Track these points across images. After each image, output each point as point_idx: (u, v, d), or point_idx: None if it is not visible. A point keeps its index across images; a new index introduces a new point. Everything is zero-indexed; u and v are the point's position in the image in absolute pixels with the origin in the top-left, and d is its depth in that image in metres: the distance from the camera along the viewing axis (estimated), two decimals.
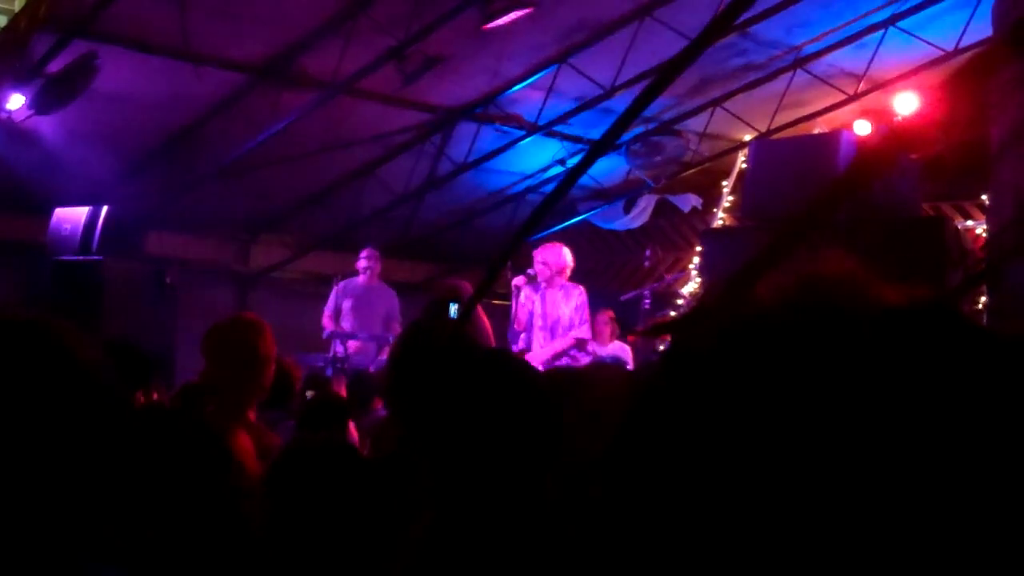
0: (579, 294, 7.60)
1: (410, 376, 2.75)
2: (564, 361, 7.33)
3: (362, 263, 9.24)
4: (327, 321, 9.06)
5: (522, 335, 7.65)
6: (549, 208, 2.29)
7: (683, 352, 0.71)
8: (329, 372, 8.02)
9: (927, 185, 7.95)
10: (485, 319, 4.65)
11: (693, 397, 0.66)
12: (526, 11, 7.51)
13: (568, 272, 7.63)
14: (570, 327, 7.52)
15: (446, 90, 9.03)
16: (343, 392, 5.77)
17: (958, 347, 0.64)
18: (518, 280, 7.66)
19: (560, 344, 7.48)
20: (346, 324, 9.07)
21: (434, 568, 1.90)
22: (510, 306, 7.82)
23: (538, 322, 7.58)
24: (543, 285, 7.56)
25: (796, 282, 0.69)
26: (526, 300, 7.63)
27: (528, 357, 6.94)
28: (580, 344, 7.53)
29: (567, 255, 7.60)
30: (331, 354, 8.61)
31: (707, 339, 0.68)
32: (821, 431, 0.61)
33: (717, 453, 0.64)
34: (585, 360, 7.52)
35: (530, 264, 7.62)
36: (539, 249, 7.73)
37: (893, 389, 0.61)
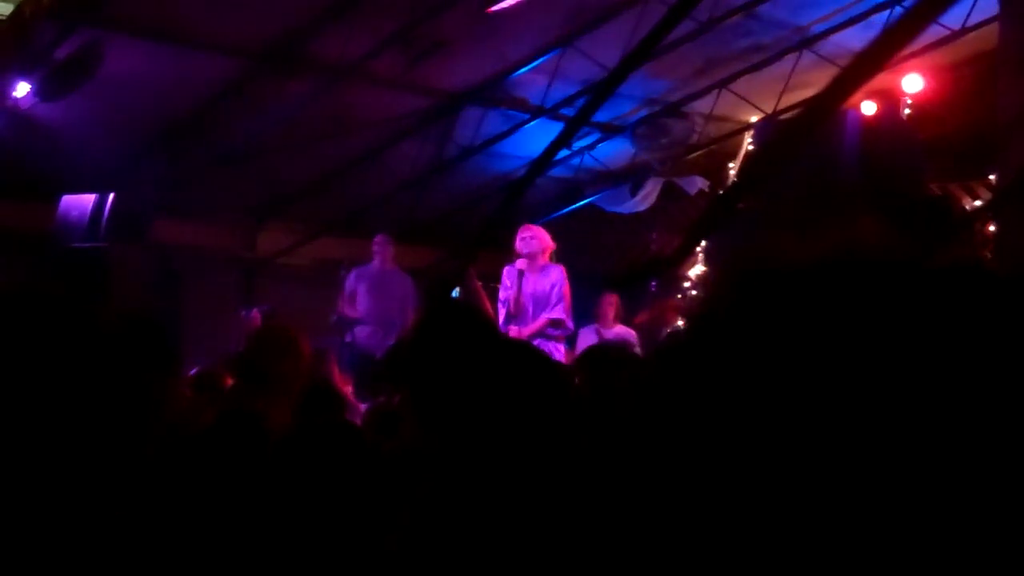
0: (558, 272, 7.73)
1: (434, 359, 2.77)
2: (538, 341, 7.43)
3: (373, 248, 9.27)
4: (343, 306, 9.06)
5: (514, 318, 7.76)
6: (531, 181, 2.31)
7: (712, 312, 0.71)
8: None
9: (934, 165, 7.92)
10: (487, 301, 4.66)
11: (721, 353, 0.66)
12: None
13: (551, 253, 7.83)
14: (550, 306, 7.70)
15: (451, 74, 9.01)
16: (339, 375, 5.77)
17: (995, 301, 0.64)
18: (521, 263, 7.76)
19: (536, 324, 7.63)
20: (361, 309, 9.07)
21: (432, 543, 1.91)
22: (501, 291, 7.94)
23: (528, 303, 7.71)
24: (527, 265, 7.71)
25: (833, 246, 0.69)
26: (525, 283, 7.74)
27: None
28: (555, 323, 7.68)
29: (548, 236, 7.83)
30: (340, 340, 8.63)
31: (733, 298, 0.68)
32: (853, 380, 0.61)
33: (743, 404, 0.63)
34: (560, 336, 7.72)
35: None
36: (524, 228, 7.88)
37: (931, 340, 0.61)
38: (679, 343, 0.71)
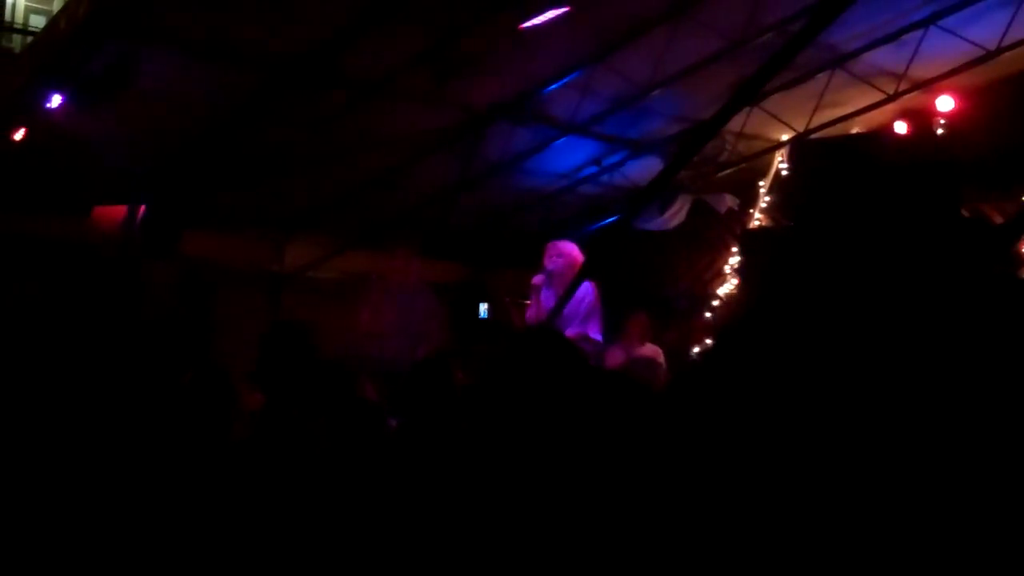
0: (587, 288, 7.68)
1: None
2: None
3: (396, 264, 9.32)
4: (366, 319, 9.11)
5: None
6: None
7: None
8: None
9: (966, 185, 7.85)
10: (516, 317, 4.64)
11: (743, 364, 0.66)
12: (563, 10, 7.48)
13: (579, 268, 7.75)
14: (579, 322, 7.63)
15: (481, 90, 9.01)
16: (372, 393, 5.76)
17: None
18: (537, 279, 7.74)
19: None
20: (388, 323, 9.11)
21: None
22: (528, 309, 7.91)
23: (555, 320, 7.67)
24: (556, 281, 7.64)
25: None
26: (544, 299, 7.70)
27: None
28: (581, 339, 7.62)
29: (579, 252, 7.71)
30: (367, 353, 8.64)
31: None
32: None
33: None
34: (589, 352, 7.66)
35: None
36: (554, 243, 7.83)
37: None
38: (706, 352, 0.72)
